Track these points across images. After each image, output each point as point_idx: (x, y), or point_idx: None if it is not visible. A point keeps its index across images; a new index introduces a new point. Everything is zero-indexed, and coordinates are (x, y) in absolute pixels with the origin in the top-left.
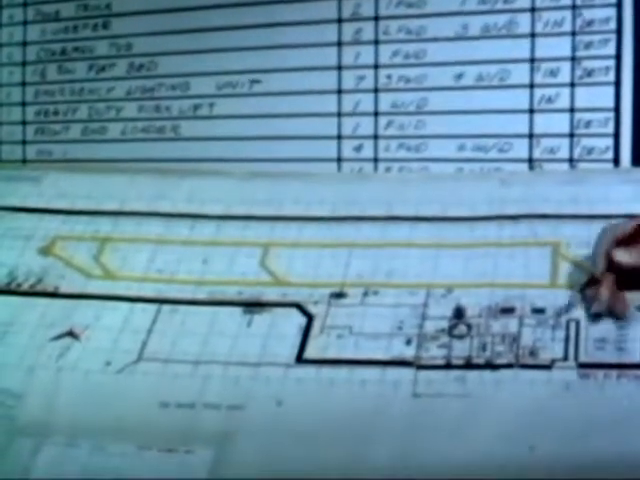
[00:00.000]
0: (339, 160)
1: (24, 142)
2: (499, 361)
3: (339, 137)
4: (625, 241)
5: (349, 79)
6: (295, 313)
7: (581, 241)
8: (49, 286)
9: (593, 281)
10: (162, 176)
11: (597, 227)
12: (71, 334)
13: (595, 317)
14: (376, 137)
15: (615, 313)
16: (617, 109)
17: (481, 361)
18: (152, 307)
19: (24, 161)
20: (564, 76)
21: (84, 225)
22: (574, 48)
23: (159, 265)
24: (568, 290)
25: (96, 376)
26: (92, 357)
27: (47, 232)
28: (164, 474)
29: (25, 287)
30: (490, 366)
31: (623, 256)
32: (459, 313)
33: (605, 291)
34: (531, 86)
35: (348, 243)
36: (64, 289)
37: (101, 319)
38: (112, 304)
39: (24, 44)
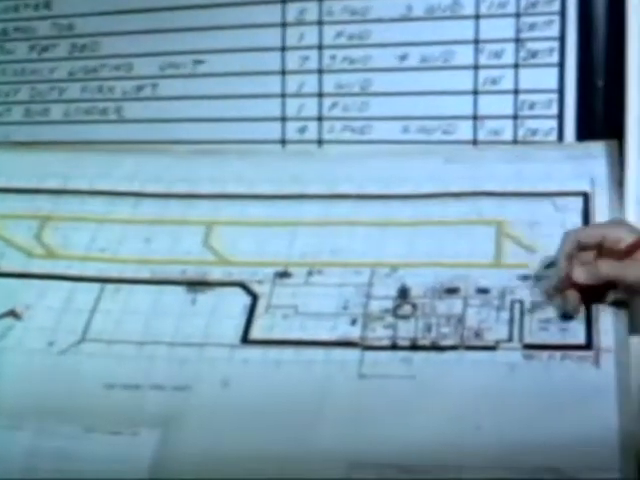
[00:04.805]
0: (283, 142)
1: None
2: (444, 342)
3: (283, 119)
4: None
5: (293, 60)
6: (239, 292)
7: (525, 220)
8: None
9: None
10: (104, 154)
11: (541, 206)
12: (12, 314)
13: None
14: (320, 119)
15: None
16: (561, 91)
17: (427, 342)
18: (95, 286)
19: None
20: (508, 57)
21: (25, 203)
22: (518, 29)
23: (101, 244)
24: (512, 270)
25: (39, 356)
26: (34, 337)
27: None
28: (110, 456)
29: None
30: (436, 347)
31: (580, 275)
32: (404, 293)
33: (574, 298)
34: (475, 67)
35: (292, 222)
36: (4, 268)
37: (43, 299)
38: (54, 283)
39: None
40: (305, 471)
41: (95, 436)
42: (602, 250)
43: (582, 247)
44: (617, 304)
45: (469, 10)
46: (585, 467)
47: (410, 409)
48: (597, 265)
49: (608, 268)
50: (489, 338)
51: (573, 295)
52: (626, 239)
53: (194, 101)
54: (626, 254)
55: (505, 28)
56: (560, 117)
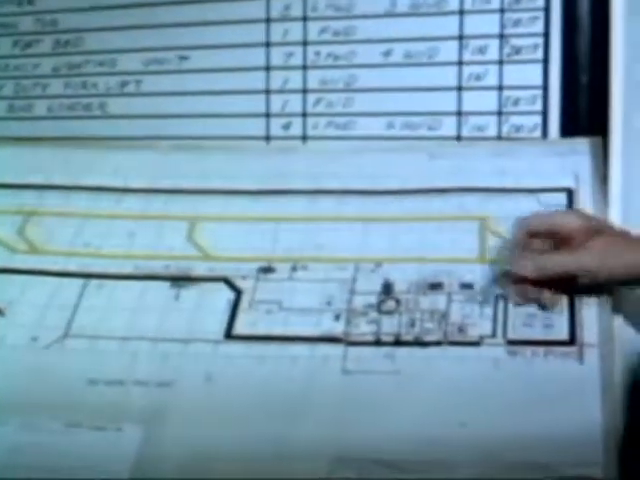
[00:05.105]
0: (267, 138)
1: None
2: (428, 338)
3: (267, 115)
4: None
5: (277, 56)
6: (223, 288)
7: (509, 216)
8: None
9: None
10: (88, 149)
11: (525, 202)
12: None
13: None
14: (304, 115)
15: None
16: (545, 87)
17: (410, 338)
18: (78, 282)
19: None
20: (492, 53)
21: (8, 199)
22: (502, 25)
23: (85, 239)
24: (496, 265)
25: (22, 352)
26: (18, 333)
27: None
28: (94, 451)
29: None
30: (419, 343)
31: (526, 269)
32: (388, 288)
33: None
34: (459, 63)
35: (276, 217)
36: None
37: (26, 294)
38: (38, 279)
39: None
40: (289, 467)
41: (78, 431)
42: (557, 240)
43: (533, 235)
44: (599, 297)
45: (453, 6)
46: (568, 462)
47: (394, 404)
48: (543, 258)
49: (553, 261)
50: (473, 334)
51: (524, 288)
52: (575, 226)
53: (178, 97)
54: (574, 244)
55: (489, 24)
56: (544, 113)
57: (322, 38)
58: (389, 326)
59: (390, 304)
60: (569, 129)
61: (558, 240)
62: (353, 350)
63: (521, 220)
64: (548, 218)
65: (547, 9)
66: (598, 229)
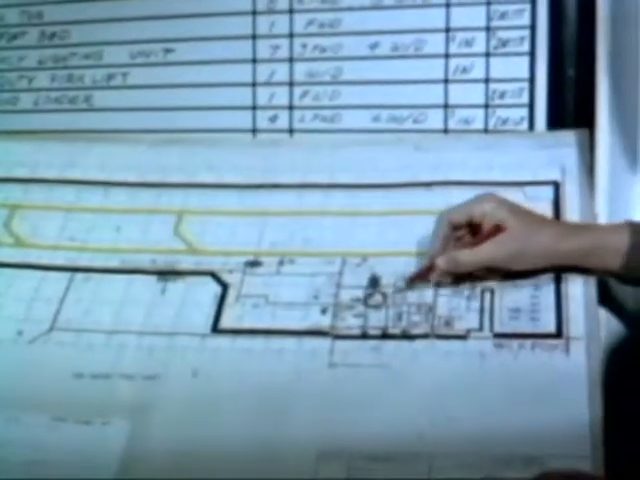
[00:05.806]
0: (254, 131)
1: None
2: (415, 331)
3: (254, 108)
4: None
5: (264, 48)
6: (210, 282)
7: None
8: None
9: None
10: (73, 142)
11: (511, 195)
12: None
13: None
14: (291, 107)
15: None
16: (532, 80)
17: (397, 331)
18: (64, 275)
19: None
20: (479, 46)
21: None
22: (489, 18)
23: (71, 233)
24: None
25: (8, 346)
26: (3, 326)
27: None
28: (81, 446)
29: None
30: (406, 336)
31: (443, 264)
32: (374, 282)
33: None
34: (446, 56)
35: (263, 211)
36: None
37: (12, 288)
38: (23, 272)
39: None
40: (275, 460)
41: (65, 426)
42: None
43: (455, 226)
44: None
45: None
46: (556, 455)
47: (381, 398)
48: (457, 255)
49: (465, 257)
50: (460, 327)
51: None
52: (491, 214)
53: (164, 90)
54: (485, 238)
55: (476, 16)
56: (531, 106)
57: (308, 30)
58: (376, 320)
59: (377, 298)
60: (556, 122)
61: (477, 226)
62: (340, 344)
63: (443, 214)
64: (466, 209)
65: (533, 1)
66: (510, 216)
